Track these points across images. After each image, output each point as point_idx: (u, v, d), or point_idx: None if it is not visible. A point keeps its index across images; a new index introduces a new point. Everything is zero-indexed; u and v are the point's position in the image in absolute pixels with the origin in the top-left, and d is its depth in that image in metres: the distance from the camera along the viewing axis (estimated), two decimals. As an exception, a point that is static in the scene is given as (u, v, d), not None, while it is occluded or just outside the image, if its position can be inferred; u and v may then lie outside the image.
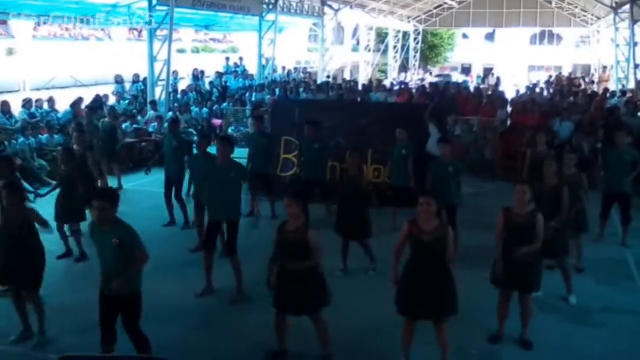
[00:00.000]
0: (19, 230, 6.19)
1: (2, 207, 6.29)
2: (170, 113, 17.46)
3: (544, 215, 6.45)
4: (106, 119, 13.55)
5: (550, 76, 31.91)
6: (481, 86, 26.12)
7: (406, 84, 26.40)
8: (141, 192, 12.12)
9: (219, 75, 23.08)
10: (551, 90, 23.81)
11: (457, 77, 37.59)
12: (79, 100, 15.83)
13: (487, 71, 40.89)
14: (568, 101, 18.55)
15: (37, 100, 15.37)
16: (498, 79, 27.65)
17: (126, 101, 18.02)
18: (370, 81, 26.16)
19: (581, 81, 29.91)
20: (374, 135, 10.84)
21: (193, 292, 7.61)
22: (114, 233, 5.33)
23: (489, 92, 20.41)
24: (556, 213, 7.10)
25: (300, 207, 5.81)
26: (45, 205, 8.53)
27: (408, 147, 9.93)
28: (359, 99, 18.60)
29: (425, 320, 5.76)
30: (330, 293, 5.88)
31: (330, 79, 25.57)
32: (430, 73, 41.22)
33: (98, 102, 16.21)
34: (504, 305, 6.47)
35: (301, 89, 21.43)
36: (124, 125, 14.74)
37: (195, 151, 9.97)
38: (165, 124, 16.24)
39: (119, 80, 18.80)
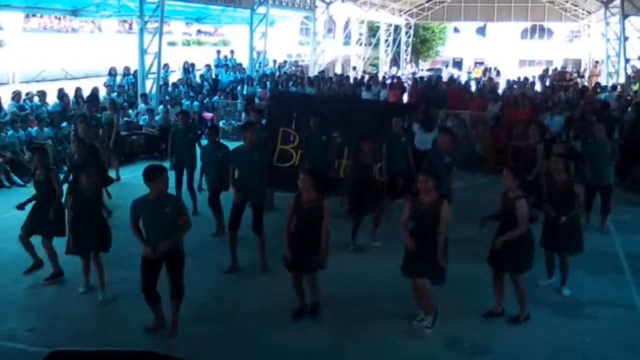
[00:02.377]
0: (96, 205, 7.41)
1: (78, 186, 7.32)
2: (162, 106, 17.38)
3: (557, 211, 7.19)
4: (107, 112, 13.51)
5: (547, 69, 32.04)
6: (483, 79, 26.33)
7: (399, 78, 26.47)
8: (135, 185, 12.07)
9: (210, 68, 22.99)
10: (547, 83, 23.97)
11: (446, 72, 37.59)
12: (63, 91, 15.77)
13: (479, 65, 40.96)
14: (558, 95, 18.62)
15: (27, 93, 15.26)
16: (498, 72, 28.04)
17: (115, 93, 17.91)
18: (362, 76, 26.17)
19: (573, 75, 30.08)
20: (367, 131, 10.78)
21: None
22: (165, 204, 6.08)
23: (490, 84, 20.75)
24: (569, 208, 7.28)
25: (311, 182, 6.46)
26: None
27: (406, 135, 9.96)
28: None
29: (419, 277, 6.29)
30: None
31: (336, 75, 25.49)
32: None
33: (94, 95, 16.17)
34: (496, 284, 6.82)
35: (291, 83, 21.39)
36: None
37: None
38: (157, 117, 16.24)
39: (113, 73, 18.70)
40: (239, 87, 21.17)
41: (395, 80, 23.27)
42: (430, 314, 6.46)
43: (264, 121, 11.65)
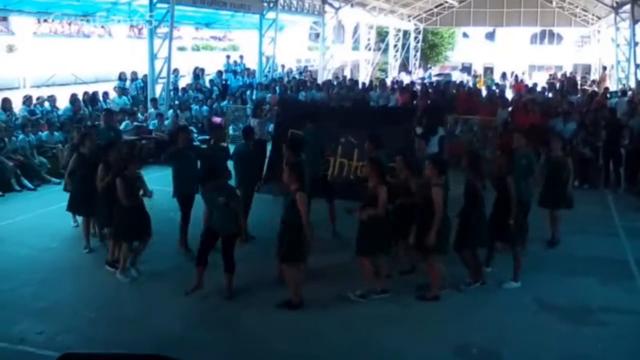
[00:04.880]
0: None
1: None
2: (171, 111, 17.45)
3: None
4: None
5: (550, 75, 32.11)
6: (500, 83, 26.56)
7: (412, 82, 26.73)
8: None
9: (221, 73, 23.07)
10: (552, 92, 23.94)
11: (457, 76, 37.56)
12: (75, 96, 15.82)
13: (489, 70, 41.00)
14: (568, 101, 18.50)
15: (37, 98, 15.35)
16: (516, 76, 28.56)
17: (125, 98, 17.99)
18: (370, 81, 26.25)
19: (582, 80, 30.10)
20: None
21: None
22: (220, 194, 7.16)
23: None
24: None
25: (293, 176, 6.93)
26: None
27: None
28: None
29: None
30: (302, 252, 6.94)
31: (341, 79, 25.55)
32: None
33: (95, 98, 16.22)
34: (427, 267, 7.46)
35: (300, 88, 21.41)
36: (124, 124, 14.77)
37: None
38: (167, 122, 16.25)
39: (122, 78, 18.80)
40: (248, 92, 21.24)
41: (405, 85, 23.34)
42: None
43: (270, 126, 11.60)
